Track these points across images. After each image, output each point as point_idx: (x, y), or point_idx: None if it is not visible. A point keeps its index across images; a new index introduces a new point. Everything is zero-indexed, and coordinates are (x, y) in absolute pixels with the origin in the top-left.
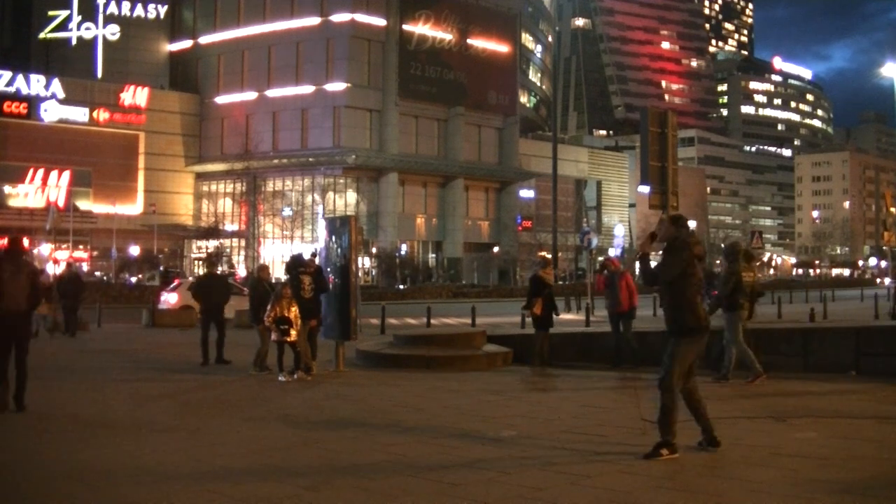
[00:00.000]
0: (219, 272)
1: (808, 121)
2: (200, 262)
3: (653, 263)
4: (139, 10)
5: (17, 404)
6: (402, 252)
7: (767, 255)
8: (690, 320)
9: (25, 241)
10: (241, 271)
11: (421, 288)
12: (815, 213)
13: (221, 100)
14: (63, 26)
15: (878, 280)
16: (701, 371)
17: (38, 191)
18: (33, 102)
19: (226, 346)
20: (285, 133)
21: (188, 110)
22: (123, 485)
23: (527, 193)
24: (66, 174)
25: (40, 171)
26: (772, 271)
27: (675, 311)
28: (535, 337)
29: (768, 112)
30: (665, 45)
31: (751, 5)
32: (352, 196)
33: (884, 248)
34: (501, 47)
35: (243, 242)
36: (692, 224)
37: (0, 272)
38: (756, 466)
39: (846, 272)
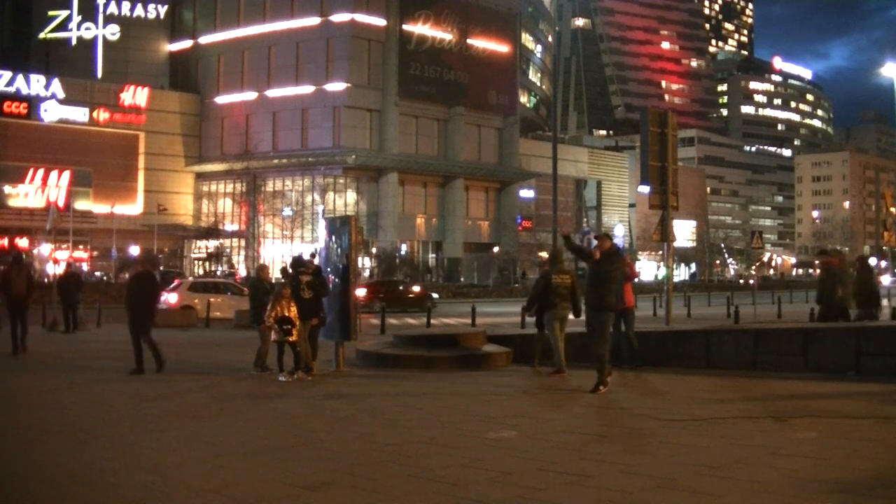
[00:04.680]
0: (148, 271)
1: (808, 121)
2: (200, 262)
3: None
4: (139, 10)
5: (22, 349)
6: (403, 252)
7: (767, 254)
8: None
9: (23, 242)
10: (241, 271)
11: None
12: (815, 213)
13: (221, 100)
14: (63, 26)
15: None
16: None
17: (38, 191)
18: (33, 102)
19: (215, 346)
20: (285, 133)
21: (188, 110)
22: (124, 485)
23: (527, 193)
24: (66, 174)
25: (40, 171)
26: (772, 271)
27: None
28: (536, 337)
29: (768, 112)
30: (665, 45)
31: (750, 5)
32: (352, 196)
33: (884, 248)
34: (501, 47)
35: (243, 242)
36: (691, 223)
37: (10, 273)
38: (756, 466)
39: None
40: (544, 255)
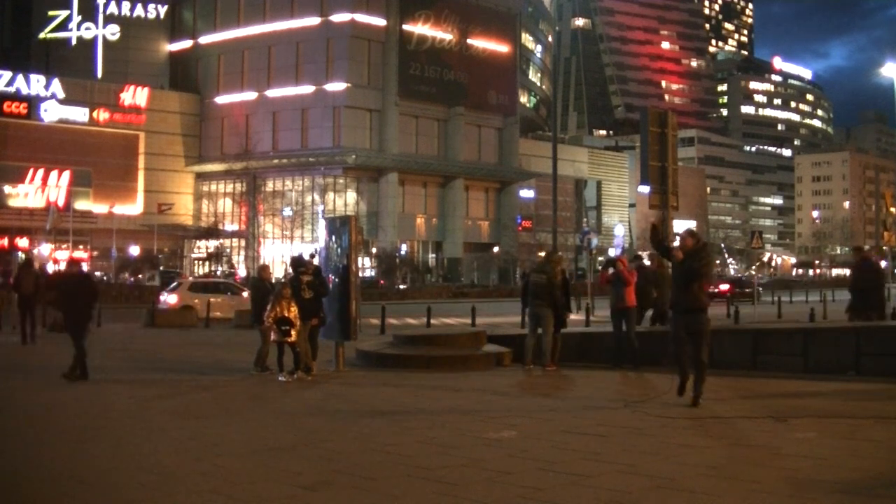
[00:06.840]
0: (86, 272)
1: (808, 121)
2: (200, 262)
3: None
4: (139, 10)
5: (31, 339)
6: (403, 252)
7: (767, 254)
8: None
9: (23, 242)
10: (241, 271)
11: (421, 288)
12: (815, 213)
13: (221, 100)
14: (63, 26)
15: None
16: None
17: (38, 191)
18: (33, 102)
19: (215, 346)
20: (285, 133)
21: (188, 110)
22: (124, 485)
23: (527, 193)
24: (66, 174)
25: (40, 171)
26: (771, 271)
27: None
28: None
29: (768, 112)
30: (665, 45)
31: (750, 5)
32: (352, 196)
33: (884, 247)
34: (501, 47)
35: (243, 242)
36: (692, 223)
37: (21, 275)
38: (756, 466)
39: (846, 272)
40: (543, 255)
